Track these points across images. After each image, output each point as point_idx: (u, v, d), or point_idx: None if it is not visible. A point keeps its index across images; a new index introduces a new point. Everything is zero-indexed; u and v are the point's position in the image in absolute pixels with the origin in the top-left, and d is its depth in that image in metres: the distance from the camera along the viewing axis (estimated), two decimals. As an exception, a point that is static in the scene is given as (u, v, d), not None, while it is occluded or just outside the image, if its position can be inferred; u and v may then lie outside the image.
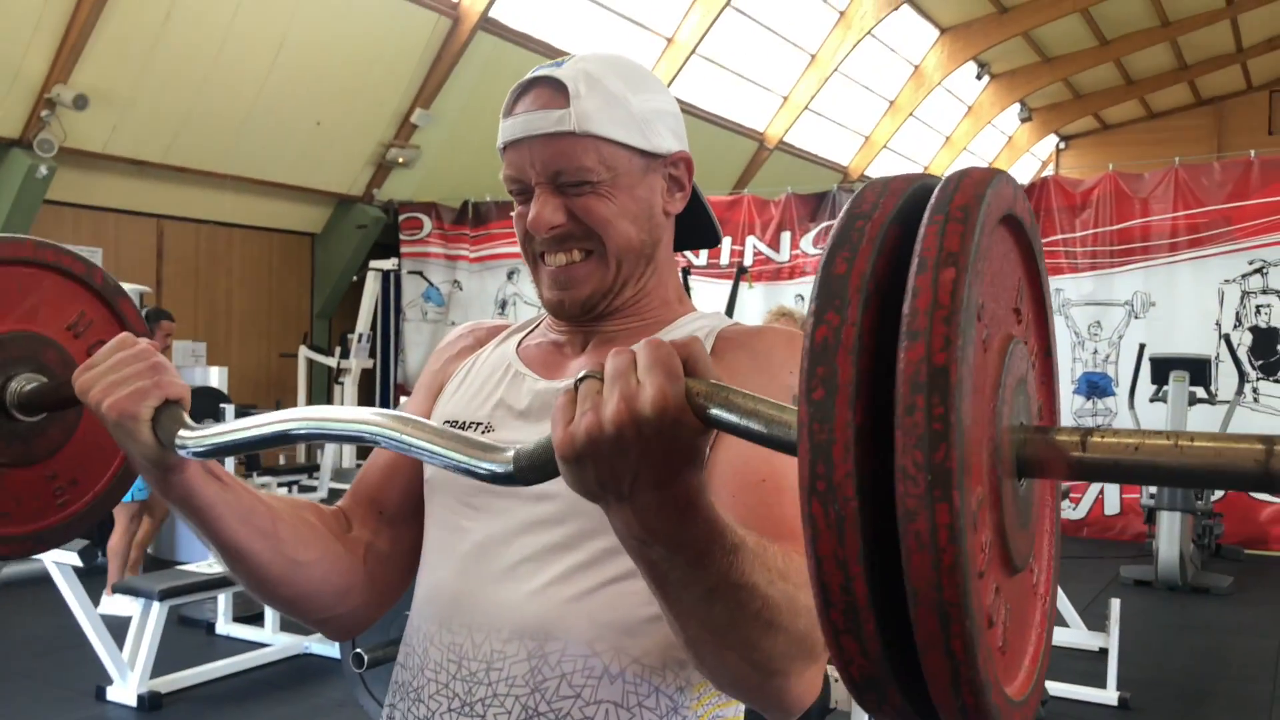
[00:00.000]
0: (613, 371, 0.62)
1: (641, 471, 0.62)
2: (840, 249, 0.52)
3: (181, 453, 0.83)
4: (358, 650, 2.77)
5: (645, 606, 0.87)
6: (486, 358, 1.06)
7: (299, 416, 0.79)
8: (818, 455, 0.48)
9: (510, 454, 0.67)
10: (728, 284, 7.65)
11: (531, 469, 0.66)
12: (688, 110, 11.56)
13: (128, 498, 5.21)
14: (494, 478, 0.68)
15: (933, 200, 0.51)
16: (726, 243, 9.14)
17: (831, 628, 0.49)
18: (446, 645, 0.94)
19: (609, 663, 0.88)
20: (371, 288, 9.12)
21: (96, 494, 1.01)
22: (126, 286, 5.91)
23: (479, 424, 0.99)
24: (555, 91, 0.94)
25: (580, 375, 0.63)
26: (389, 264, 9.28)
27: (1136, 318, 7.84)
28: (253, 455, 6.88)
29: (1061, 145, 18.49)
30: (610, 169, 0.95)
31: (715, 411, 0.60)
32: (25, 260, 0.97)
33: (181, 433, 0.83)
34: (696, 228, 1.09)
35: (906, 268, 0.50)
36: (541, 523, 0.92)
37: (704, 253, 9.17)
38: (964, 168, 0.54)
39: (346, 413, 0.77)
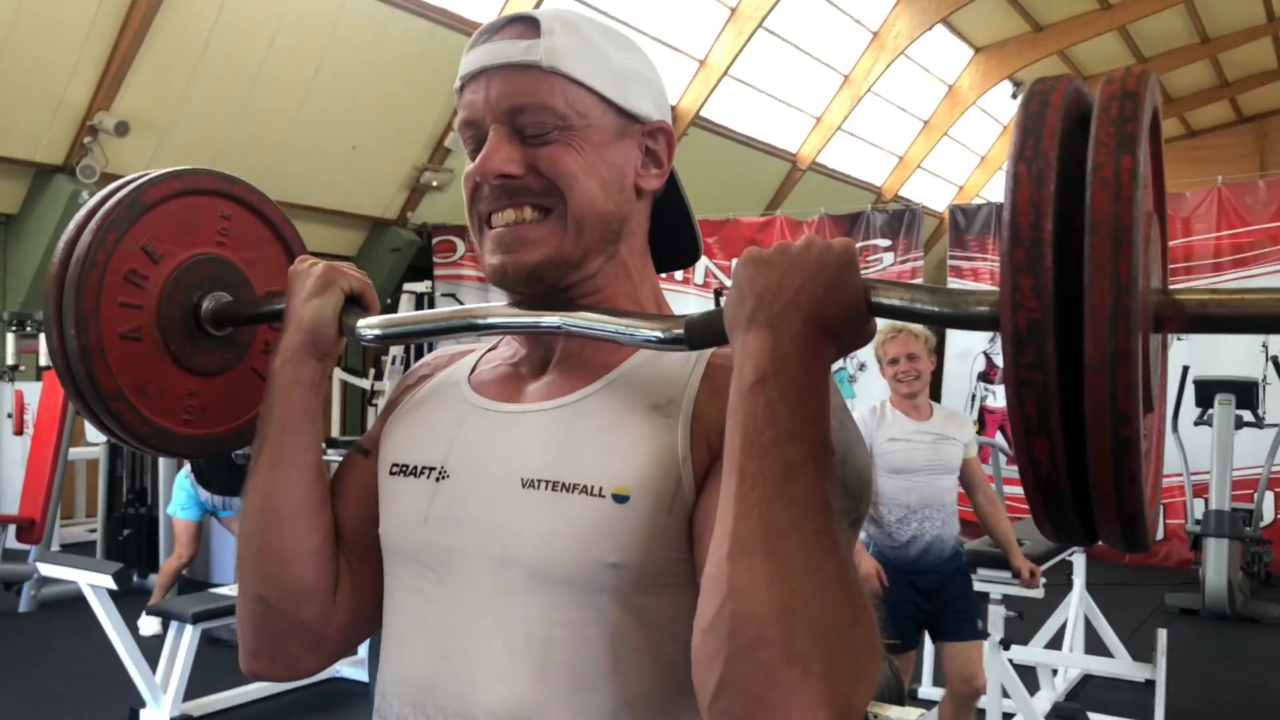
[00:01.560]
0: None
1: (803, 294, 0.68)
2: (1030, 102, 0.63)
3: (363, 333, 0.91)
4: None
5: (632, 684, 0.77)
6: (442, 381, 0.93)
7: (469, 311, 0.86)
8: (1027, 138, 0.60)
9: (684, 319, 0.75)
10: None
11: (703, 328, 0.74)
12: (720, 132, 11.57)
13: (194, 515, 5.26)
14: (666, 340, 0.75)
15: (1099, 98, 0.62)
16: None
17: (1013, 268, 0.58)
18: None
19: None
20: (405, 310, 9.15)
21: (211, 433, 1.07)
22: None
23: (431, 469, 0.85)
24: (527, 27, 0.82)
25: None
26: (423, 287, 9.33)
27: (1179, 340, 7.68)
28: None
29: (1099, 164, 18.28)
30: (580, 115, 0.81)
31: (878, 297, 0.69)
32: (214, 191, 1.09)
33: (361, 325, 0.93)
34: (674, 244, 0.94)
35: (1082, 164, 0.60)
36: (510, 590, 0.79)
37: (737, 274, 9.14)
38: (1114, 70, 0.65)
39: (515, 310, 0.84)
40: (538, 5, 8.18)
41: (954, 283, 8.45)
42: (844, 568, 0.66)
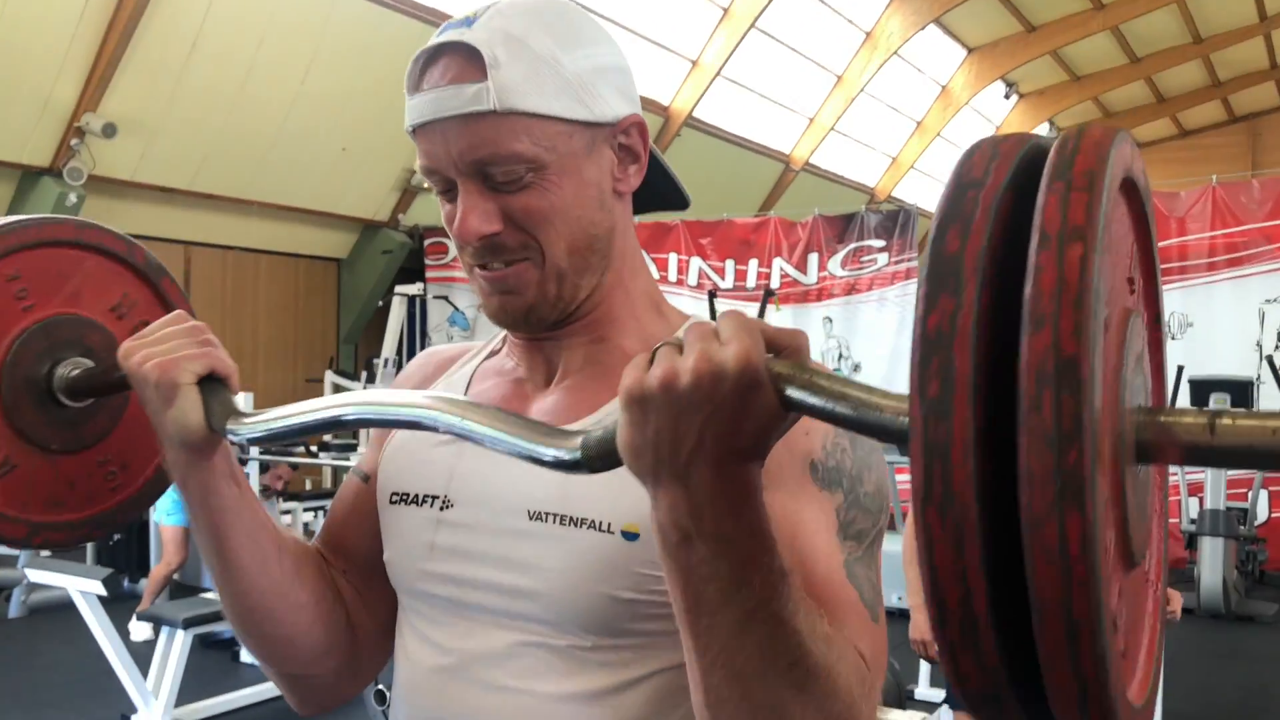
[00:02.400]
0: (695, 335, 0.58)
1: (706, 437, 0.57)
2: (951, 223, 0.46)
3: (232, 437, 0.80)
4: (380, 687, 2.71)
5: (644, 714, 0.76)
6: None
7: (352, 401, 0.76)
8: (933, 457, 0.44)
9: (579, 439, 0.63)
10: (755, 306, 7.59)
11: (601, 456, 0.62)
12: (713, 133, 11.56)
13: (181, 520, 5.22)
14: (560, 464, 0.64)
15: (1050, 163, 0.46)
16: (753, 265, 9.08)
17: (948, 646, 0.45)
18: None
19: None
20: (397, 312, 9.13)
21: (148, 478, 0.99)
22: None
23: (434, 497, 0.84)
24: (468, 60, 0.75)
25: (658, 345, 0.60)
26: (414, 289, 9.30)
27: (1173, 339, 7.69)
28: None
29: (1091, 164, 18.34)
30: (548, 150, 0.77)
31: (795, 393, 0.56)
32: (68, 241, 0.95)
33: (232, 419, 0.80)
34: (657, 189, 0.91)
35: (1023, 243, 0.44)
36: (519, 620, 0.79)
37: (729, 275, 9.12)
38: (1081, 123, 0.50)
39: (400, 396, 0.74)
40: None
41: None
42: (831, 681, 0.64)
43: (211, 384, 0.82)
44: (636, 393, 0.58)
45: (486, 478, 0.82)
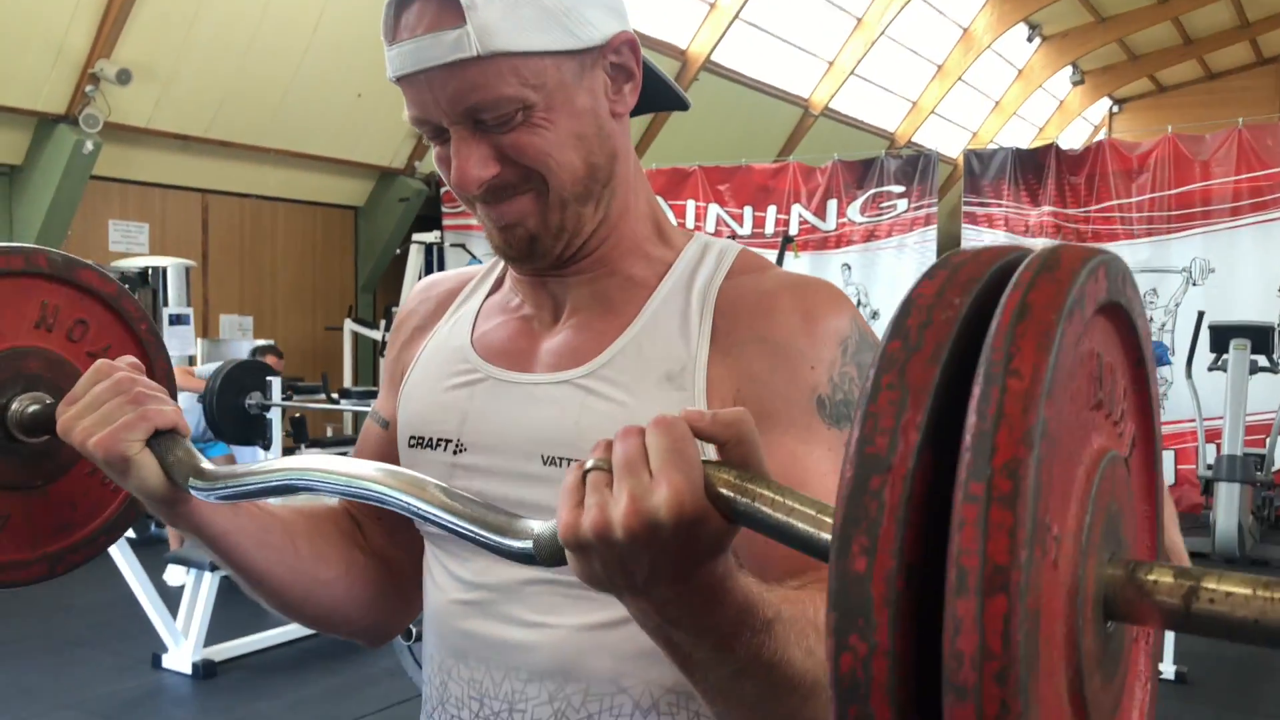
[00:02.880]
0: (621, 463, 0.54)
1: (658, 567, 0.54)
2: (855, 530, 0.38)
3: (196, 493, 0.78)
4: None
5: None
6: (444, 341, 0.90)
7: (319, 468, 0.74)
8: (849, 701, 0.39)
9: (531, 537, 0.61)
10: (773, 253, 7.56)
11: (551, 555, 0.60)
12: (731, 77, 11.40)
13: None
14: (512, 556, 0.63)
15: (969, 441, 0.36)
16: (771, 211, 9.02)
17: None
18: (466, 680, 0.84)
19: (639, 697, 0.78)
20: (415, 261, 9.13)
21: (112, 512, 0.96)
22: (173, 261, 5.90)
23: (447, 441, 0.84)
24: (443, 4, 0.73)
25: (588, 465, 0.56)
26: (431, 237, 9.29)
27: (1194, 285, 7.62)
28: (300, 427, 6.95)
29: (1115, 109, 18.01)
30: (538, 88, 0.75)
31: (743, 509, 0.53)
32: (19, 271, 0.90)
33: (195, 475, 0.78)
34: (653, 94, 0.88)
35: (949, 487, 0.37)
36: None
37: (748, 222, 9.06)
38: (1039, 264, 0.39)
39: (358, 469, 0.71)
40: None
41: (968, 229, 8.37)
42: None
43: (163, 438, 0.79)
44: (572, 540, 0.55)
45: (499, 419, 0.82)
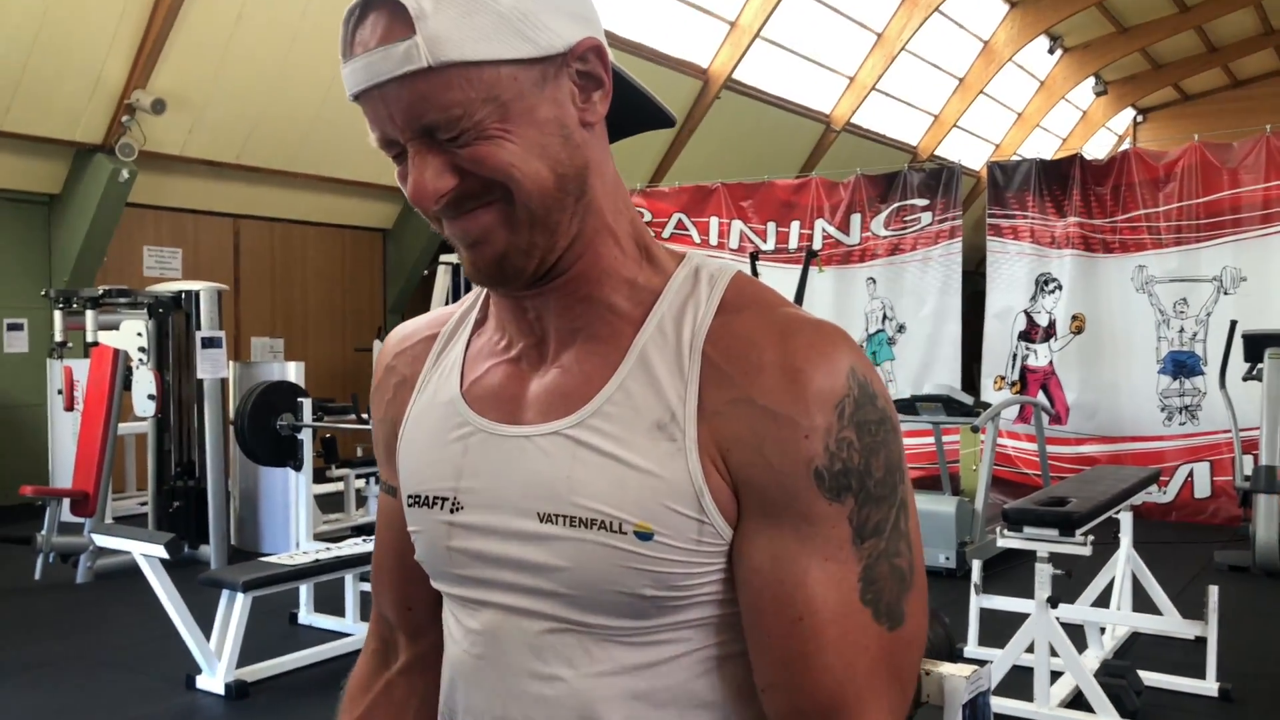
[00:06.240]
0: None
1: None
2: None
3: None
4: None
5: (694, 679, 0.76)
6: (433, 395, 0.86)
7: None
8: None
9: None
10: (797, 269, 7.56)
11: None
12: (752, 95, 11.44)
13: None
14: None
15: None
16: (795, 226, 9.02)
17: None
18: None
19: None
20: (442, 281, 9.21)
21: None
22: (205, 285, 5.97)
23: (443, 499, 0.81)
24: (394, 15, 0.70)
25: None
26: (458, 258, 9.36)
27: (1226, 293, 7.53)
28: (330, 447, 7.00)
29: (1139, 119, 17.90)
30: (492, 99, 0.70)
31: None
32: None
33: None
34: (635, 111, 0.83)
35: None
36: (547, 617, 0.77)
37: (771, 237, 9.06)
38: None
39: None
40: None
41: (993, 241, 8.33)
42: None
43: None
44: None
45: (492, 475, 0.79)
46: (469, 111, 0.70)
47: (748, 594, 0.73)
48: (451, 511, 0.81)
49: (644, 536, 0.72)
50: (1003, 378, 8.27)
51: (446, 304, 10.61)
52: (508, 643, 0.79)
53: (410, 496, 0.85)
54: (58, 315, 6.37)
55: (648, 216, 9.42)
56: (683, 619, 0.75)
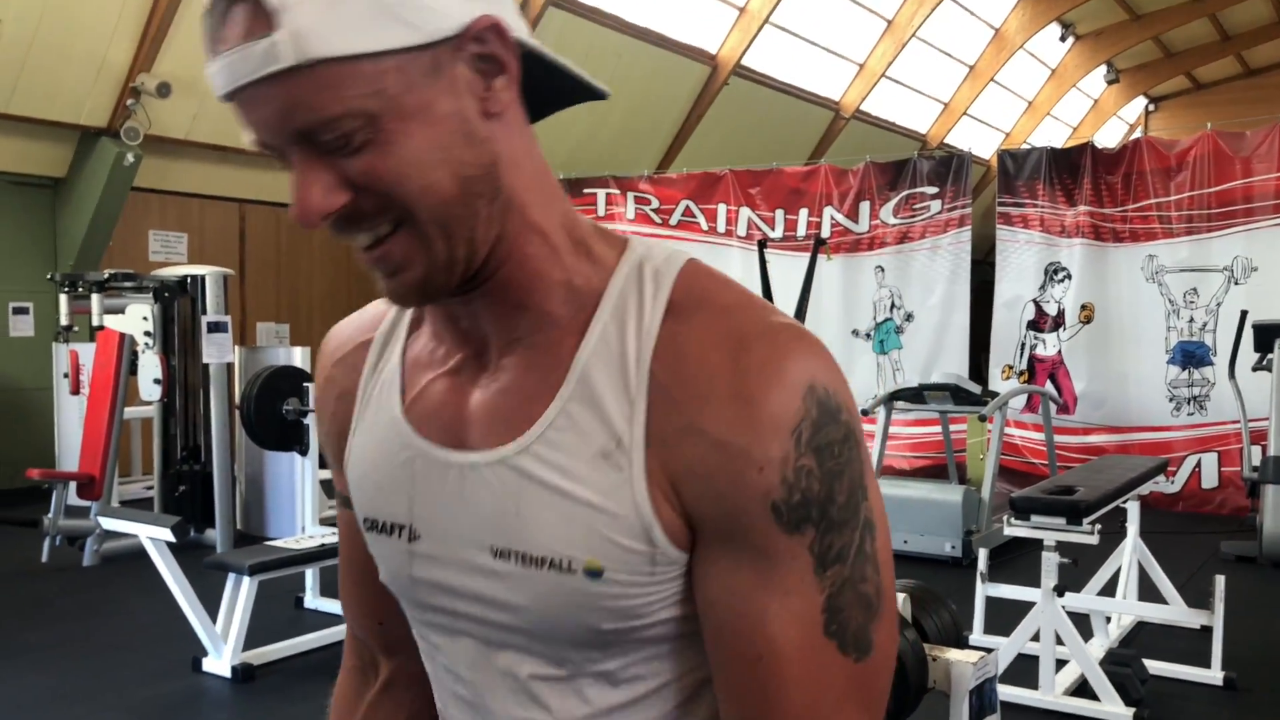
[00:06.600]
0: None
1: None
2: None
3: None
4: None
5: (675, 710, 0.74)
6: (376, 413, 0.81)
7: None
8: None
9: None
10: (805, 256, 7.52)
11: None
12: (761, 81, 11.39)
13: None
14: None
15: None
16: (803, 214, 8.99)
17: None
18: None
19: None
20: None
21: None
22: (211, 269, 5.99)
23: (401, 526, 0.78)
24: (254, 9, 0.62)
25: None
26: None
27: (1236, 283, 7.49)
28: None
29: (1151, 107, 17.78)
30: (377, 96, 0.62)
31: None
32: None
33: None
34: (556, 87, 0.75)
35: None
36: (510, 647, 0.75)
37: (779, 225, 9.03)
38: None
39: None
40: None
41: (1003, 230, 8.29)
42: None
43: None
44: None
45: (441, 505, 0.75)
46: (350, 112, 0.62)
47: (708, 626, 0.70)
48: (410, 540, 0.77)
49: (594, 574, 0.68)
50: (1011, 367, 8.24)
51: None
52: (484, 684, 0.77)
53: (366, 520, 0.81)
54: (63, 299, 6.37)
55: (655, 203, 9.39)
56: (654, 651, 0.73)
